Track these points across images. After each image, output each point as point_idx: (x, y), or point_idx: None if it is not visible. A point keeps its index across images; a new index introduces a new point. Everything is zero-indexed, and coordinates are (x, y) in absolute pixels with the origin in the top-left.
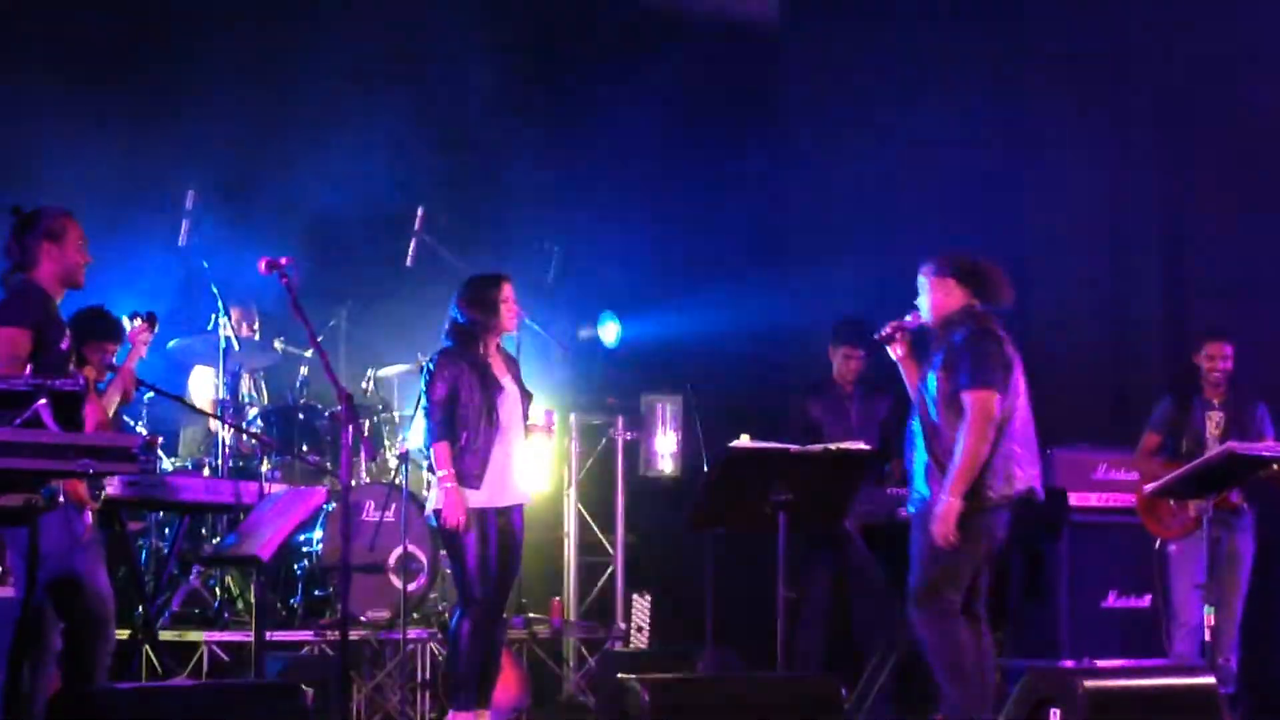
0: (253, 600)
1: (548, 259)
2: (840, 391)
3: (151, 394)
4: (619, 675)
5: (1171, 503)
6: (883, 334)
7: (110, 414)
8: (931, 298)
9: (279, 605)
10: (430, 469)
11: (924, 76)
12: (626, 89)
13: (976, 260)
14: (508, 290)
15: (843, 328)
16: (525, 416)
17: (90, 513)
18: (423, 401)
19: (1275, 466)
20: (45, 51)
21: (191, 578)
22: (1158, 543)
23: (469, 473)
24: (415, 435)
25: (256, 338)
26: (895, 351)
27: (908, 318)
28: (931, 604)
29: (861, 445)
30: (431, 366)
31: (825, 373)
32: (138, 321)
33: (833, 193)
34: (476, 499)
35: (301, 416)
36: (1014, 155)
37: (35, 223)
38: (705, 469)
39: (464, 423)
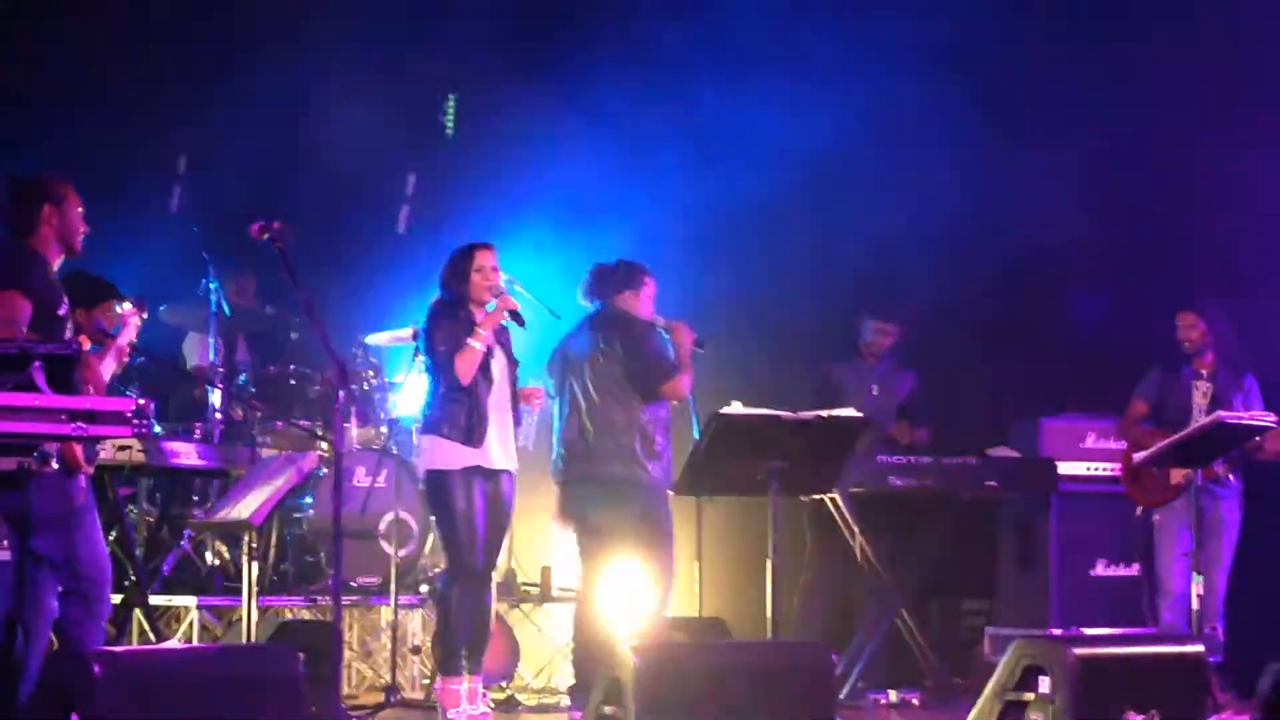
0: (244, 565)
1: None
2: (866, 363)
3: (143, 359)
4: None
5: (1155, 470)
6: None
7: (104, 382)
8: None
9: (269, 570)
10: (427, 428)
11: None
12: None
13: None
14: (481, 258)
15: (880, 301)
16: (514, 382)
17: (84, 477)
18: (423, 361)
19: (1259, 438)
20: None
21: (183, 543)
22: (1140, 510)
23: (469, 427)
24: (406, 401)
25: (254, 305)
26: None
27: None
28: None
29: (852, 412)
30: (426, 328)
31: (852, 340)
32: (127, 305)
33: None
34: (469, 458)
35: (293, 382)
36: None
37: (37, 188)
38: (697, 434)
39: None
